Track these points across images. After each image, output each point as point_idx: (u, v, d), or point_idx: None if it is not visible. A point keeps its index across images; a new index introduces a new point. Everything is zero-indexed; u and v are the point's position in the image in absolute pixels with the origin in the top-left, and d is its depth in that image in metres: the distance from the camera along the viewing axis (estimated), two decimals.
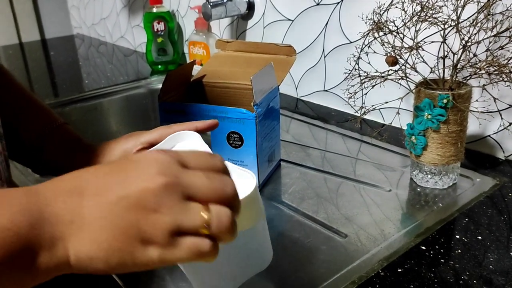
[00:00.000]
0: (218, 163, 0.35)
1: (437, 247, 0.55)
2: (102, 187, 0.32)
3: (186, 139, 0.49)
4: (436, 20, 0.62)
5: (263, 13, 1.07)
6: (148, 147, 0.54)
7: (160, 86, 0.68)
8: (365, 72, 0.70)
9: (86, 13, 1.80)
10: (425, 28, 0.63)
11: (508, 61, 0.60)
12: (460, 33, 0.61)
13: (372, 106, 0.72)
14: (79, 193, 0.32)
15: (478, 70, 0.61)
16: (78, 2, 1.84)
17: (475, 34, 0.61)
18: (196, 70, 0.79)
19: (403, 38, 0.65)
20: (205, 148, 0.48)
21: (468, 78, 0.64)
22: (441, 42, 0.63)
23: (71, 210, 0.31)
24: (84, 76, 1.33)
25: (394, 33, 0.65)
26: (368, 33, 0.68)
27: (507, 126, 0.71)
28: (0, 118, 0.52)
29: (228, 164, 0.38)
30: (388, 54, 0.66)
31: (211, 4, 1.03)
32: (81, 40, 1.80)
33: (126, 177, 0.32)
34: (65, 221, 0.31)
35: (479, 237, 0.56)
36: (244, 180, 0.41)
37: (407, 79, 0.66)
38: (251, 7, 1.09)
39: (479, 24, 0.61)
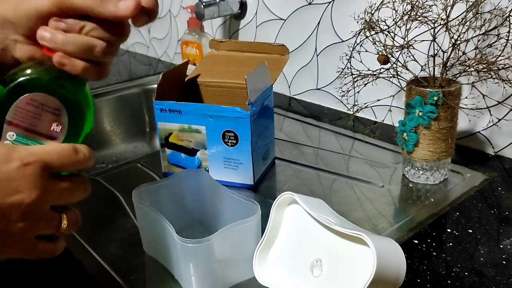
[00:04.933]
0: (82, 158, 0.39)
1: (429, 240, 0.56)
2: None
3: None
4: (426, 19, 0.63)
5: (256, 13, 1.08)
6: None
7: (153, 85, 0.68)
8: (357, 70, 0.71)
9: None
10: (416, 27, 0.65)
11: (496, 58, 0.61)
12: (450, 32, 0.62)
13: (365, 104, 0.73)
14: None
15: (467, 67, 0.62)
16: None
17: (464, 32, 0.62)
18: (190, 69, 0.79)
19: (394, 37, 0.66)
20: None
21: (457, 75, 0.65)
22: (431, 41, 0.64)
23: None
24: None
25: (385, 32, 0.66)
26: (359, 32, 0.69)
27: (496, 122, 0.73)
28: None
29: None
30: (380, 53, 0.67)
31: (203, 4, 1.04)
32: None
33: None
34: None
35: (470, 231, 0.58)
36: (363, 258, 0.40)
37: (399, 77, 0.67)
38: (243, 7, 1.10)
39: (468, 23, 0.62)
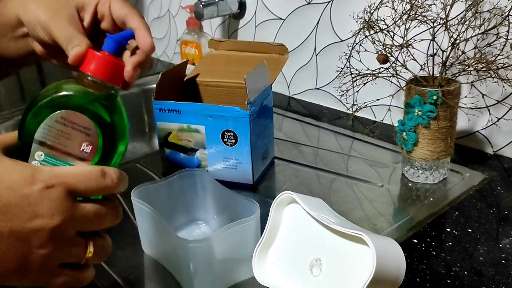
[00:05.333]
0: (109, 183, 0.37)
1: (428, 240, 0.56)
2: None
3: None
4: (425, 18, 0.63)
5: (255, 12, 1.08)
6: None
7: (152, 85, 0.68)
8: (356, 70, 0.71)
9: None
10: (415, 27, 0.65)
11: (496, 58, 0.61)
12: (449, 31, 0.63)
13: (364, 103, 0.73)
14: None
15: (467, 67, 0.62)
16: None
17: (464, 32, 0.62)
18: (189, 69, 0.79)
19: (394, 36, 0.66)
20: None
21: (457, 75, 0.65)
22: (431, 40, 0.64)
23: None
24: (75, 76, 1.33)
25: (384, 31, 0.66)
26: (359, 32, 0.69)
27: (495, 122, 0.73)
28: None
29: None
30: (379, 52, 0.67)
31: (202, 3, 1.04)
32: None
33: (20, 212, 0.34)
34: None
35: (469, 230, 0.58)
36: (362, 259, 0.40)
37: (398, 76, 0.67)
38: (242, 6, 1.10)
39: (467, 22, 0.62)
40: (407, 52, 0.66)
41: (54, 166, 0.37)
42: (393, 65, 0.67)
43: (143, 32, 0.45)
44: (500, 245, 0.55)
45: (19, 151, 0.38)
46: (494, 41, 0.62)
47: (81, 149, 0.38)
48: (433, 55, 0.65)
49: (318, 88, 1.00)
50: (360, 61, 0.74)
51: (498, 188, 0.66)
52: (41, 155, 0.37)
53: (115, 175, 0.37)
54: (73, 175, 0.36)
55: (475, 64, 0.61)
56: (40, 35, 0.48)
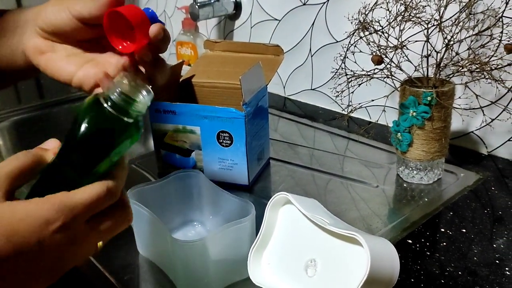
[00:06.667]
0: (114, 199, 0.37)
1: (423, 240, 0.56)
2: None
3: None
4: (419, 19, 0.63)
5: (250, 13, 1.08)
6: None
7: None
8: (351, 71, 0.71)
9: None
10: (409, 28, 0.65)
11: (489, 59, 0.61)
12: (443, 32, 0.63)
13: (359, 104, 0.74)
14: None
15: (461, 68, 0.63)
16: None
17: (457, 33, 0.63)
18: (185, 70, 0.79)
19: (388, 37, 0.66)
20: None
21: (451, 76, 0.65)
22: (425, 41, 0.64)
23: None
24: None
25: (379, 32, 0.67)
26: (354, 33, 0.69)
27: (489, 122, 0.73)
28: None
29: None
30: (374, 53, 0.67)
31: (198, 4, 1.04)
32: None
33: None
34: None
35: (464, 230, 0.58)
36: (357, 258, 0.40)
37: (392, 77, 0.68)
38: (238, 7, 1.10)
39: (461, 23, 0.63)
40: (401, 53, 0.67)
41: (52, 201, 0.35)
42: (388, 66, 0.67)
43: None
44: (494, 245, 0.55)
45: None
46: (488, 42, 0.63)
47: None
48: (427, 56, 0.66)
49: (313, 89, 1.01)
50: (355, 62, 0.74)
51: (492, 188, 0.67)
52: None
53: (119, 189, 0.38)
54: (82, 205, 0.35)
55: (469, 65, 0.62)
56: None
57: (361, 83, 0.69)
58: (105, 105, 0.35)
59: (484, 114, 0.72)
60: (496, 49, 0.62)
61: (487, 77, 0.62)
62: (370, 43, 0.67)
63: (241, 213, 0.50)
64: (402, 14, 0.64)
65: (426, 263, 0.53)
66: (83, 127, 0.35)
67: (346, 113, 0.75)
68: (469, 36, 0.63)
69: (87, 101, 0.36)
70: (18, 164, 0.36)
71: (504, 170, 0.71)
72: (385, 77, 0.68)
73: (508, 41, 0.61)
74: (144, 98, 0.36)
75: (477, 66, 0.61)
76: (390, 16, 0.65)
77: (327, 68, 0.94)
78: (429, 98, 0.62)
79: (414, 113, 0.64)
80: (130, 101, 0.36)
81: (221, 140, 0.67)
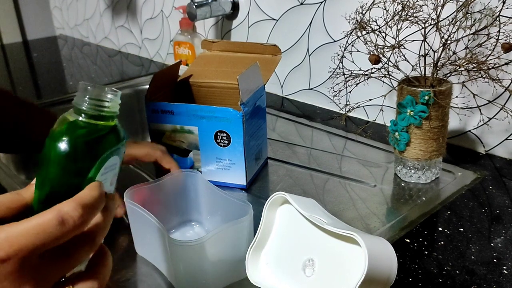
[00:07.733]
0: (71, 227, 0.31)
1: (420, 239, 0.56)
2: None
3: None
4: (416, 19, 0.63)
5: (248, 13, 1.08)
6: (130, 159, 0.65)
7: (145, 86, 0.68)
8: (349, 70, 0.71)
9: (69, 14, 1.79)
10: (406, 27, 0.65)
11: (487, 58, 0.61)
12: (440, 32, 0.63)
13: (357, 103, 0.74)
14: None
15: (458, 67, 0.63)
16: (61, 3, 1.82)
17: (455, 32, 0.63)
18: (182, 70, 0.79)
19: (385, 37, 0.66)
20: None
21: (448, 75, 0.65)
22: (422, 41, 0.65)
23: None
24: (68, 77, 1.32)
25: (376, 32, 0.67)
26: (351, 32, 0.69)
27: (487, 122, 0.73)
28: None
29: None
30: (371, 53, 0.67)
31: (195, 4, 1.04)
32: (64, 41, 1.79)
33: None
34: None
35: (461, 229, 0.58)
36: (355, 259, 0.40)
37: (390, 77, 0.68)
38: (235, 7, 1.10)
39: (458, 23, 0.63)
40: (399, 53, 0.67)
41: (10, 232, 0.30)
42: (385, 65, 0.67)
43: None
44: (492, 244, 0.55)
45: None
46: (485, 41, 0.63)
47: None
48: (424, 56, 0.66)
49: (311, 89, 1.01)
50: (353, 61, 0.74)
51: (490, 187, 0.67)
52: None
53: (77, 213, 0.31)
54: (24, 237, 0.30)
55: (466, 64, 0.62)
56: None
57: (359, 83, 0.70)
58: (80, 118, 0.33)
59: (481, 113, 0.72)
60: (493, 48, 0.62)
61: (484, 76, 0.62)
62: (368, 42, 0.67)
63: (239, 213, 0.50)
64: (399, 13, 0.64)
65: (424, 262, 0.53)
66: (66, 149, 0.32)
67: (344, 112, 0.75)
68: (466, 35, 0.63)
69: (58, 129, 0.33)
70: None
71: (502, 169, 0.71)
72: (382, 77, 0.68)
73: (505, 40, 0.62)
74: (115, 97, 0.34)
75: (474, 65, 0.61)
76: (387, 15, 0.65)
77: (325, 68, 0.94)
78: (426, 98, 0.62)
79: (412, 112, 0.64)
80: (103, 104, 0.34)
81: (219, 140, 0.67)
